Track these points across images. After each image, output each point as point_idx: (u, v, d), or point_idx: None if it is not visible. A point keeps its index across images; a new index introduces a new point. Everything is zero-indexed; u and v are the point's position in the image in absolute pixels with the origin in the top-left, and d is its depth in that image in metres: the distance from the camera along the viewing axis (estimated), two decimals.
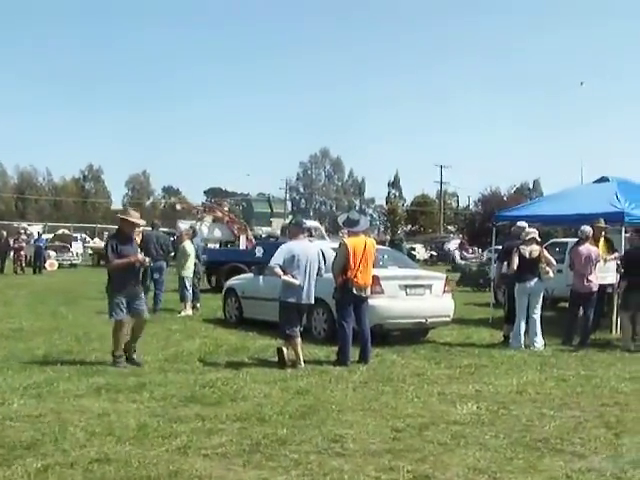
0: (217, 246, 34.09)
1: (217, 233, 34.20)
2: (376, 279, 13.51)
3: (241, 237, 34.14)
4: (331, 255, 13.17)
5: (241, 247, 32.80)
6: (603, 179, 19.82)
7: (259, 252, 27.63)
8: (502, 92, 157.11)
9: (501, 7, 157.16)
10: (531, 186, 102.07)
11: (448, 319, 15.51)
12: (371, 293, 13.00)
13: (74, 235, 62.06)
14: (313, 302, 12.47)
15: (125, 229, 12.20)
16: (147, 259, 12.76)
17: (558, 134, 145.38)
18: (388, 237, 65.12)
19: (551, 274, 14.92)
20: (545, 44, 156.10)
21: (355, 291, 12.46)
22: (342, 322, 12.54)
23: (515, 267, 14.62)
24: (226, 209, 38.10)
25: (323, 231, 35.04)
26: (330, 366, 11.99)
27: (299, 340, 12.15)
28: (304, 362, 11.99)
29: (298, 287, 12.03)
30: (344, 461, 7.00)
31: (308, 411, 8.93)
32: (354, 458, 7.10)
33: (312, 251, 12.48)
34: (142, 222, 13.08)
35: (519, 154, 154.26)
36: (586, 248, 15.28)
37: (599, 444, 7.76)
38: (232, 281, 18.65)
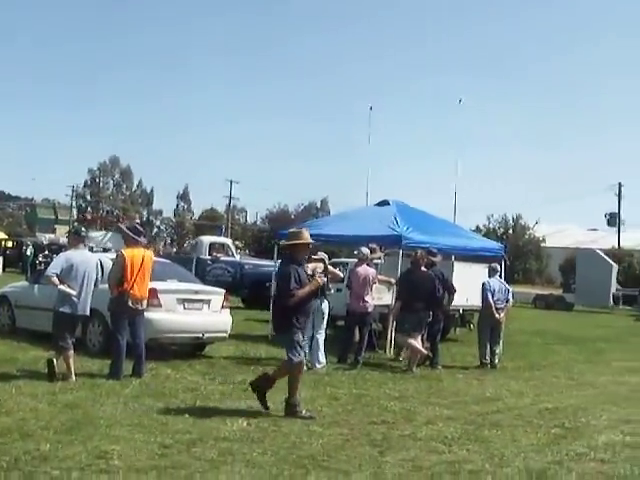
0: None
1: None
2: (153, 292, 13.34)
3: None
4: (109, 266, 12.88)
5: None
6: (384, 202, 20.37)
7: None
8: (291, 111, 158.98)
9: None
10: (319, 205, 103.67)
11: (225, 334, 15.46)
12: (148, 306, 12.80)
13: None
14: (88, 313, 12.16)
15: (300, 253, 10.65)
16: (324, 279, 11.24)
17: (348, 152, 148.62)
18: (174, 250, 64.64)
19: (332, 291, 15.25)
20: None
21: (131, 303, 12.21)
22: (116, 335, 12.27)
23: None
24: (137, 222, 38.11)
25: (233, 248, 34.11)
26: (102, 380, 11.70)
27: (72, 352, 11.79)
28: (76, 375, 11.65)
29: (74, 297, 11.69)
30: (107, 478, 6.83)
31: (75, 426, 8.67)
32: (117, 475, 6.93)
33: (91, 261, 12.18)
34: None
35: (309, 173, 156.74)
36: (364, 269, 15.61)
37: (364, 461, 7.91)
38: (5, 289, 17.83)
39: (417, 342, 15.01)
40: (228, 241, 36.25)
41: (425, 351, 15.08)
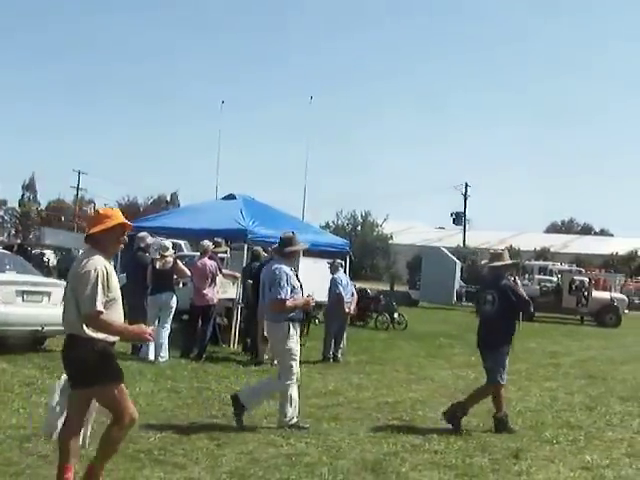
0: None
1: (62, 241, 32.44)
2: None
3: None
4: None
5: None
6: (230, 196, 20.42)
7: None
8: (140, 100, 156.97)
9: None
10: (169, 198, 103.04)
11: None
12: None
13: None
14: None
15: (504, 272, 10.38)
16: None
17: (199, 146, 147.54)
18: (19, 241, 62.95)
19: (180, 285, 15.21)
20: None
21: None
22: None
23: (148, 280, 14.69)
24: None
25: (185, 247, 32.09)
26: None
27: None
28: None
29: None
30: None
31: None
32: None
33: None
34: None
35: (160, 165, 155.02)
36: (204, 262, 15.62)
37: (201, 455, 7.95)
38: None
39: None
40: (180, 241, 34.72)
41: None
